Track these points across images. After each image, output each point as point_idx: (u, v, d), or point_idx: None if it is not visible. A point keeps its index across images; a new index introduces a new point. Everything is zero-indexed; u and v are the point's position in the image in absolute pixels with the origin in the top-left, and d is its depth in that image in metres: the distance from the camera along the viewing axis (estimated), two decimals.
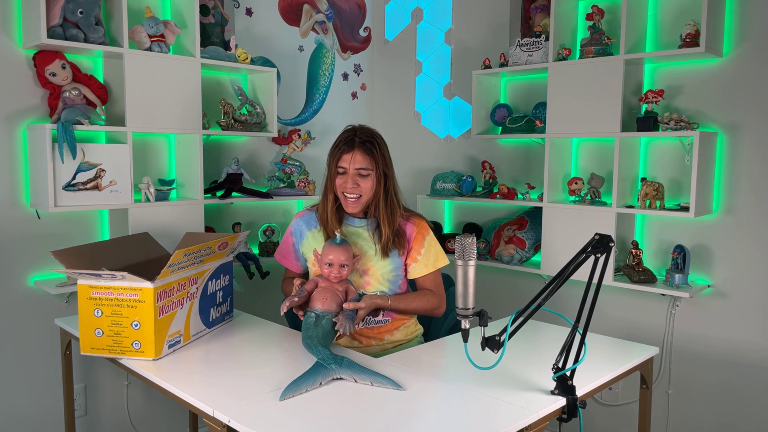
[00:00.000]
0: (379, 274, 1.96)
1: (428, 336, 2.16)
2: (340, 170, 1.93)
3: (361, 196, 1.93)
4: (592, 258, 1.42)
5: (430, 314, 2.04)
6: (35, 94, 2.28)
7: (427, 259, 2.00)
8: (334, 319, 1.72)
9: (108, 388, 2.57)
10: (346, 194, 1.93)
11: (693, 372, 2.52)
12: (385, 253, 1.95)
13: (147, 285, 1.62)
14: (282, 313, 1.74)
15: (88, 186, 2.23)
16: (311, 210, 2.10)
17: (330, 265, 1.81)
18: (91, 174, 2.23)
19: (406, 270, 2.01)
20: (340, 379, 1.51)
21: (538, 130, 2.75)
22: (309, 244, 2.04)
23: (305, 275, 2.11)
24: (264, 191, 2.82)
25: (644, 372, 1.80)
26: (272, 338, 1.86)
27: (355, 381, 1.50)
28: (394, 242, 1.95)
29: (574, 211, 2.61)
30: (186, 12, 2.54)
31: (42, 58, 2.22)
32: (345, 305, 1.77)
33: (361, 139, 1.92)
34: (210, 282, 1.91)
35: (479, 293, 1.44)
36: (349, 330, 1.68)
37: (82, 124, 2.19)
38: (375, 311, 1.92)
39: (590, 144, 2.75)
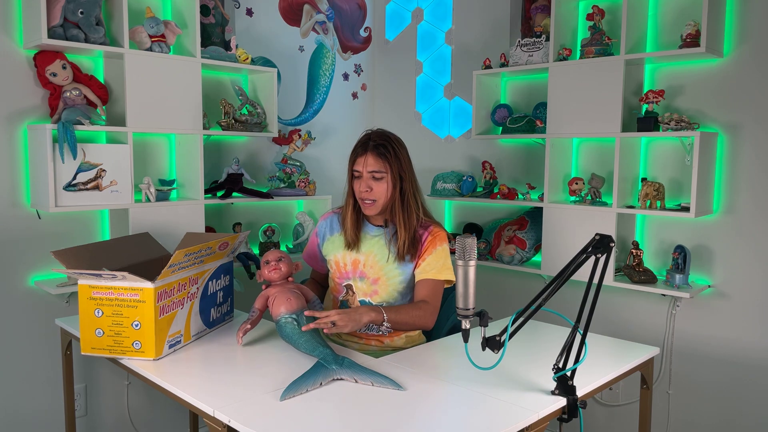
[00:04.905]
0: (388, 285, 1.96)
1: (429, 336, 2.16)
2: (356, 174, 1.95)
3: (375, 200, 1.93)
4: (593, 258, 1.42)
5: (421, 327, 1.95)
6: (36, 94, 2.28)
7: (429, 265, 1.95)
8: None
9: (108, 388, 2.57)
10: (361, 198, 1.94)
11: (693, 372, 2.51)
12: (401, 257, 1.94)
13: (147, 285, 1.62)
14: (240, 344, 1.76)
15: (89, 186, 2.23)
16: (336, 212, 2.11)
17: (267, 262, 1.85)
18: (91, 174, 2.23)
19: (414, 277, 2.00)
20: (341, 379, 1.51)
21: (538, 130, 2.75)
22: (327, 248, 2.07)
23: (326, 278, 2.15)
24: (264, 191, 2.82)
25: (645, 372, 1.80)
26: (272, 338, 1.86)
27: (356, 381, 1.50)
28: (410, 248, 1.94)
29: (575, 211, 2.61)
30: (186, 12, 2.54)
31: (42, 58, 2.22)
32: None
33: (375, 143, 1.93)
34: (210, 282, 1.91)
35: (479, 293, 1.44)
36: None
37: (83, 124, 2.20)
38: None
39: (591, 144, 2.75)
